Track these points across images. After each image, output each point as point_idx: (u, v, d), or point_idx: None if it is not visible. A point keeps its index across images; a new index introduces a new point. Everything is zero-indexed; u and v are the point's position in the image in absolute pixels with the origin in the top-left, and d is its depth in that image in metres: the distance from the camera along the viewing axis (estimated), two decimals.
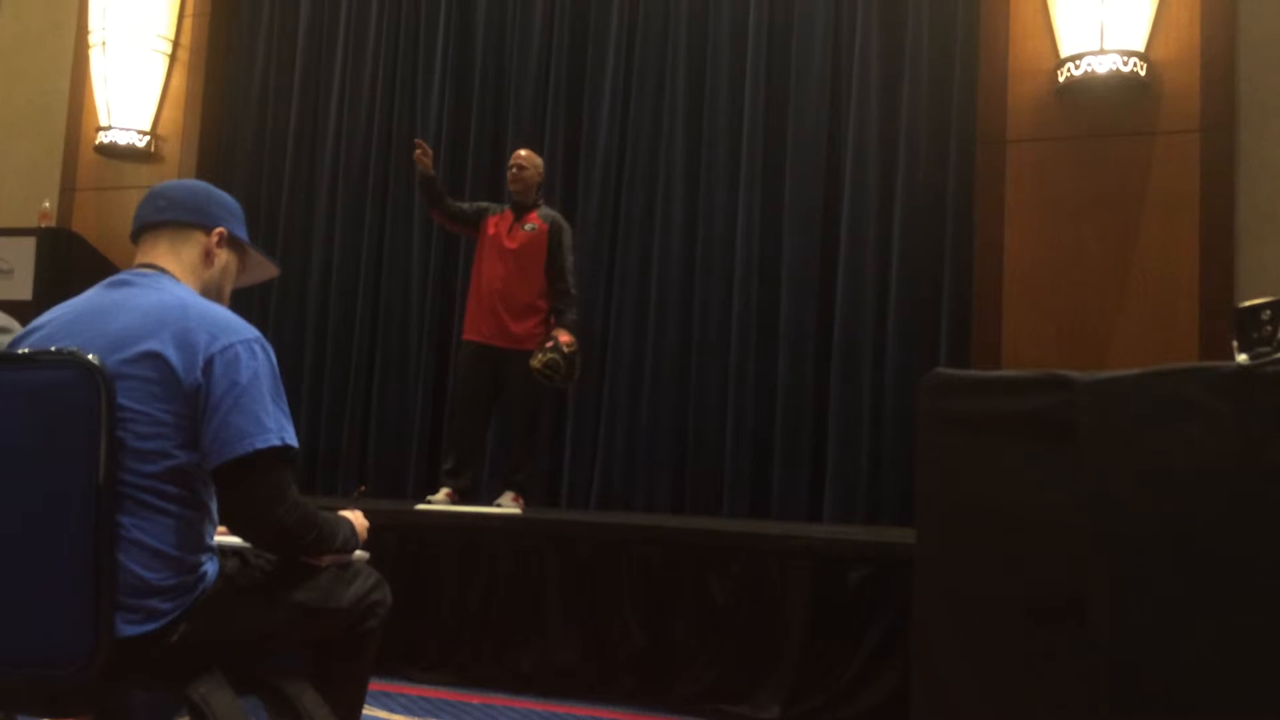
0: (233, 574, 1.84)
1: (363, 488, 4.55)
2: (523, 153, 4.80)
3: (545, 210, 4.76)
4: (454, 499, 4.55)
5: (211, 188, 2.02)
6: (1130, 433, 2.20)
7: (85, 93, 6.34)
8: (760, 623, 3.54)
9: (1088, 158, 4.62)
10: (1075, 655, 2.21)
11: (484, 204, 4.88)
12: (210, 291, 1.95)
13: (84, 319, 1.79)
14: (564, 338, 4.48)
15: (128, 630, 1.67)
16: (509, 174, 4.74)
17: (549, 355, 4.42)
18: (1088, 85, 4.55)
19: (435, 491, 4.60)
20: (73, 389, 1.65)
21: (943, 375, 2.58)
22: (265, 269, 2.15)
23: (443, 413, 5.55)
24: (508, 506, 4.46)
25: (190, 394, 1.71)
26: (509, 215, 4.72)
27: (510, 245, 4.64)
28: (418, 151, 4.60)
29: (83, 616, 1.63)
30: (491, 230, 4.70)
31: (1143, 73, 4.50)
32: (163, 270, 1.89)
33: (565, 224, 4.75)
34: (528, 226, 4.67)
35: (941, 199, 4.95)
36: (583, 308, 5.39)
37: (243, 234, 2.02)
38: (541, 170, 4.81)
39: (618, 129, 5.49)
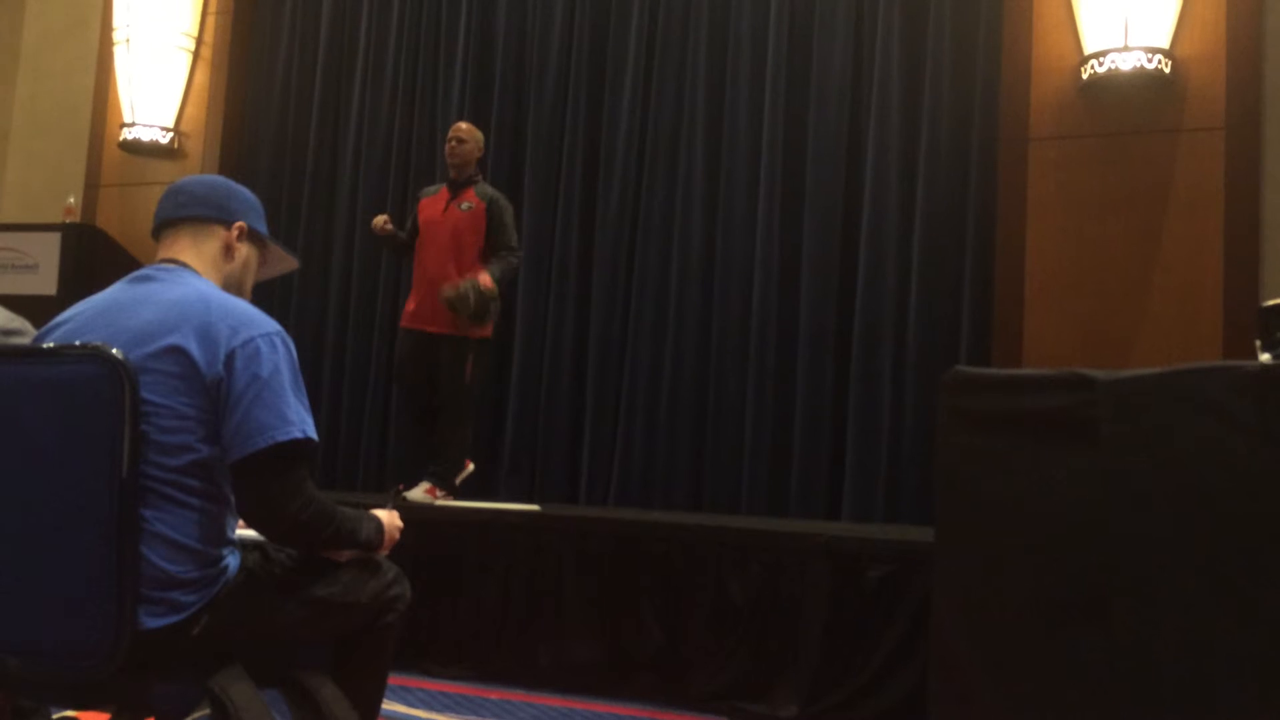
0: (254, 568, 1.85)
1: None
2: (463, 125, 4.69)
3: (483, 188, 4.63)
4: (436, 495, 4.46)
5: (231, 183, 2.03)
6: (1152, 432, 2.19)
7: (109, 90, 6.39)
8: (779, 621, 3.54)
9: (1111, 155, 4.59)
10: (1096, 655, 2.20)
11: (416, 200, 4.82)
12: (231, 285, 1.96)
13: (107, 314, 1.81)
14: (483, 277, 4.34)
15: (150, 623, 1.68)
16: (448, 147, 4.62)
17: (461, 289, 4.27)
18: (1111, 82, 4.52)
19: (414, 486, 4.51)
20: (97, 383, 1.66)
21: (963, 373, 2.57)
22: (285, 262, 2.16)
23: None
24: (419, 499, 4.38)
25: (212, 387, 1.72)
26: (444, 194, 4.60)
27: (444, 226, 4.52)
28: (381, 224, 4.58)
29: (106, 609, 1.65)
30: (425, 213, 4.59)
31: (1167, 70, 4.46)
32: (184, 265, 1.90)
33: (506, 202, 4.61)
34: (464, 205, 4.53)
35: (963, 197, 4.93)
36: (602, 308, 5.42)
37: (262, 228, 2.04)
38: (482, 145, 4.71)
39: (637, 130, 5.49)
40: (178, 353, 1.72)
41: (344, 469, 5.83)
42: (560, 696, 3.64)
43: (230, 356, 1.73)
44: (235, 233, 1.97)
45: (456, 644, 3.89)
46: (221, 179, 2.05)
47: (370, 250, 5.92)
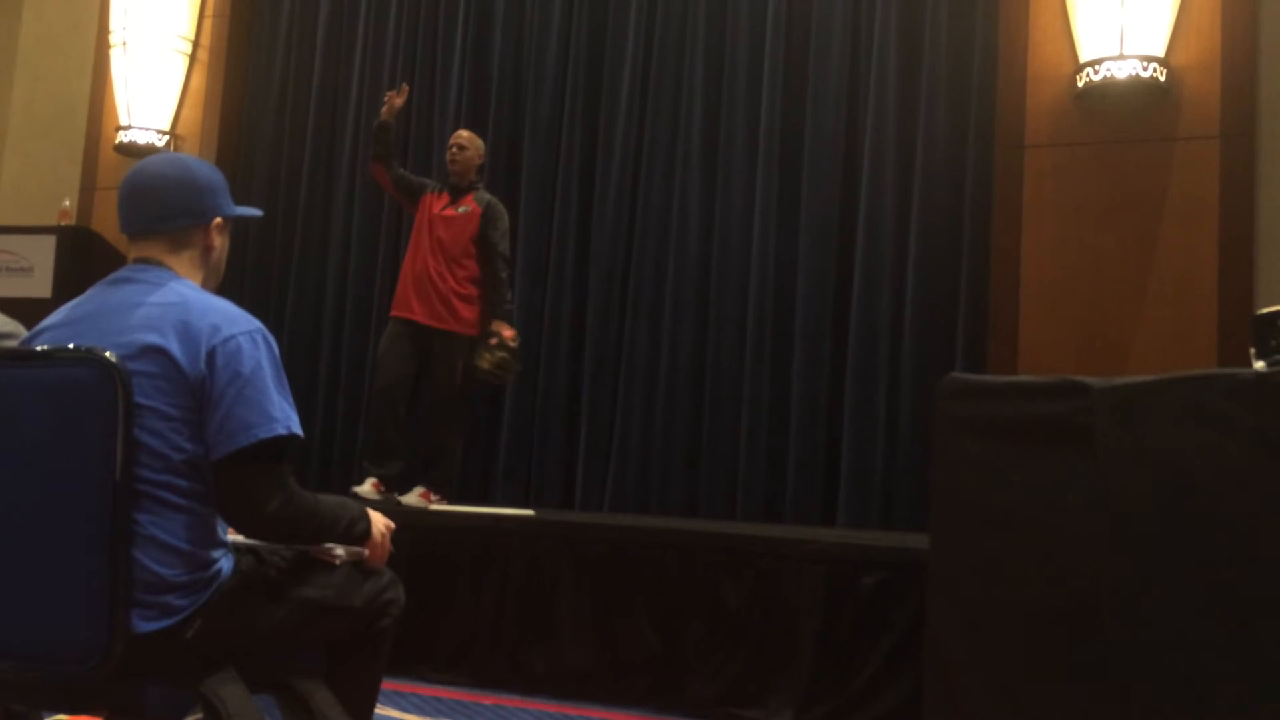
0: (247, 571, 1.84)
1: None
2: (464, 133, 4.76)
3: (482, 194, 4.69)
4: (381, 490, 4.42)
5: (195, 171, 1.92)
6: (1147, 439, 2.19)
7: (106, 93, 6.38)
8: (774, 627, 3.53)
9: (1106, 163, 4.60)
10: (1091, 662, 2.20)
11: (427, 180, 4.87)
12: (211, 274, 1.95)
13: (89, 318, 1.80)
14: (506, 332, 4.39)
15: (143, 626, 1.68)
16: (449, 154, 4.69)
17: (498, 355, 4.30)
18: (1107, 90, 4.53)
19: (362, 483, 4.47)
20: (91, 386, 1.66)
21: (959, 380, 2.58)
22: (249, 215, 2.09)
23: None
24: (413, 503, 4.37)
25: (195, 387, 1.71)
26: (445, 196, 4.66)
27: (442, 227, 4.57)
28: (396, 94, 4.64)
29: (99, 612, 1.64)
30: (426, 211, 4.64)
31: (1162, 78, 4.47)
32: (162, 265, 1.87)
33: (501, 208, 4.66)
34: (461, 209, 4.60)
35: (959, 204, 4.94)
36: (597, 314, 5.41)
37: (231, 206, 1.97)
38: (482, 152, 4.78)
39: (634, 132, 5.49)
40: (159, 354, 1.71)
41: (340, 468, 5.81)
42: (555, 702, 3.63)
43: (211, 354, 1.72)
44: (214, 230, 1.93)
45: (451, 649, 3.88)
46: (185, 168, 1.91)
47: (367, 250, 5.92)
